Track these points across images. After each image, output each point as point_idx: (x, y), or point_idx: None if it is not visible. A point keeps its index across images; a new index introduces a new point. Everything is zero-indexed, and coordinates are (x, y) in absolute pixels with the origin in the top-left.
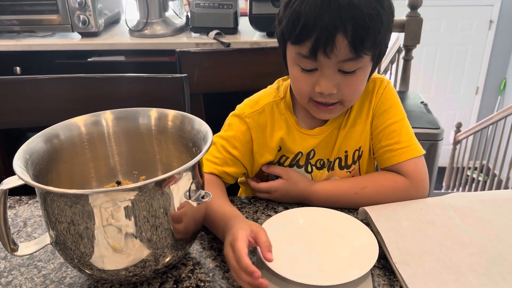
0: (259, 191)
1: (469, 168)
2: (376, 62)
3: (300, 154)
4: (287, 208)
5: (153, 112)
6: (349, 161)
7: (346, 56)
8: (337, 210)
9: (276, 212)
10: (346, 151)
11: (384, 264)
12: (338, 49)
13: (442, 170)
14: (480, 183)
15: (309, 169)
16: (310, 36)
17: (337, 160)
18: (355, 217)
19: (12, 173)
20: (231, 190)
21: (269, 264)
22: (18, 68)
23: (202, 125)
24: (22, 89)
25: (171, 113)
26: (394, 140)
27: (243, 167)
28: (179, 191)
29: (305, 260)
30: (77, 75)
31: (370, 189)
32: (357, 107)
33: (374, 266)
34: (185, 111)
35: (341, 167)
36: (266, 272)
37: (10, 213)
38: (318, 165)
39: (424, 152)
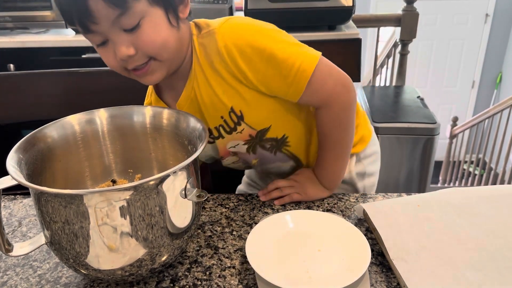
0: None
1: (466, 162)
2: (166, 4)
3: None
4: (284, 206)
5: (148, 110)
6: (231, 125)
7: (112, 14)
8: (328, 212)
9: (273, 210)
10: (222, 116)
11: (381, 260)
12: (99, 12)
13: (438, 164)
14: (477, 177)
15: None
16: (72, 15)
17: (221, 128)
18: (349, 215)
19: (7, 171)
20: (230, 187)
21: (263, 275)
22: (12, 66)
23: (197, 123)
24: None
25: (166, 111)
26: (287, 68)
27: None
28: (175, 190)
29: (295, 267)
30: (54, 70)
31: (338, 142)
32: (208, 70)
33: (371, 263)
34: None
35: (229, 133)
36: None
37: (4, 212)
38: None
39: (319, 53)
